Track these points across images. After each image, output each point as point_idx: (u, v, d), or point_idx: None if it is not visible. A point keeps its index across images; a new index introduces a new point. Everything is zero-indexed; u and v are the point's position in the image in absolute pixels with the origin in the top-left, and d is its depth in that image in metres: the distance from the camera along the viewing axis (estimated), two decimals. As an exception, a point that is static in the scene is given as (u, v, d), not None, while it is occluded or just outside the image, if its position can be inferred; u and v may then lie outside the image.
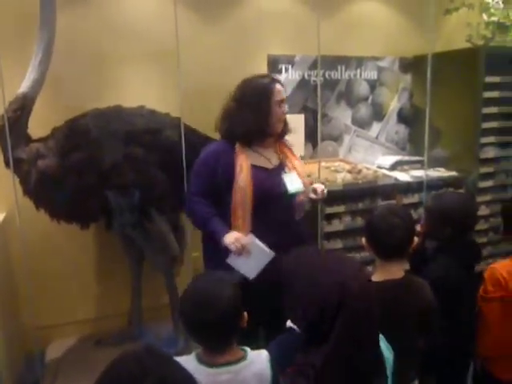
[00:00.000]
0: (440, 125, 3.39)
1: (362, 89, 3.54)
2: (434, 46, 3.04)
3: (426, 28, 3.20)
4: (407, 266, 1.75)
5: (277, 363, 1.29)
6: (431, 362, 1.68)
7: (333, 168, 3.20)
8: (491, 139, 3.27)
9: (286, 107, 2.05)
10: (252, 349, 1.36)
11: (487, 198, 3.36)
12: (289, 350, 1.23)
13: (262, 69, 3.17)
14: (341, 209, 2.93)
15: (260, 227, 1.95)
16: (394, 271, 1.59)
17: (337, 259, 1.20)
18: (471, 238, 1.96)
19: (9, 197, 2.29)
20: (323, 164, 3.15)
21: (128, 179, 2.42)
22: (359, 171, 3.13)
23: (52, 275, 2.87)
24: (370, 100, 3.58)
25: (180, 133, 2.39)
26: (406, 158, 3.54)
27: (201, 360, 1.28)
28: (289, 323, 1.33)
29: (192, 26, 2.97)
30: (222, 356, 1.28)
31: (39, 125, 2.36)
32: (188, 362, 1.27)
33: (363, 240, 1.67)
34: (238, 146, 2.01)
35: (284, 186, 2.02)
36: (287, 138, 2.21)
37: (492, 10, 3.38)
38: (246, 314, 1.33)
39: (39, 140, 2.37)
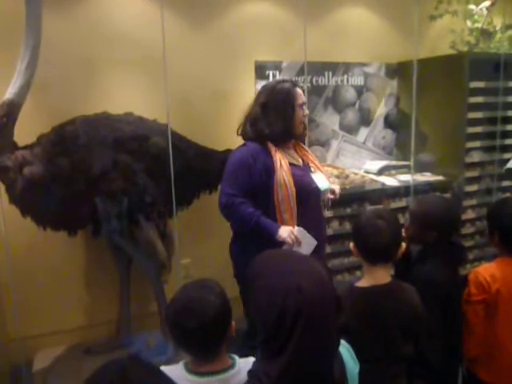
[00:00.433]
0: (426, 130, 3.43)
1: (349, 94, 3.57)
2: (418, 52, 3.08)
3: (410, 34, 3.24)
4: (392, 271, 1.76)
5: None
6: (420, 368, 1.68)
7: (321, 173, 3.21)
8: (476, 144, 3.31)
9: (306, 110, 2.15)
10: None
11: (473, 201, 3.40)
12: None
13: (250, 75, 3.18)
14: (328, 214, 2.94)
15: (301, 223, 2.04)
16: (380, 276, 1.59)
17: (297, 263, 1.12)
18: (455, 241, 1.97)
19: (-6, 205, 2.26)
20: (311, 169, 3.16)
21: (115, 186, 2.41)
22: (347, 176, 3.14)
23: (38, 283, 2.84)
24: (357, 105, 3.61)
25: (167, 139, 2.39)
26: (393, 162, 3.58)
27: (189, 369, 1.27)
28: None
29: (179, 33, 2.97)
30: (210, 365, 1.27)
31: (25, 132, 2.34)
32: (176, 370, 1.26)
33: (351, 244, 1.68)
34: (271, 146, 2.08)
35: (316, 185, 2.14)
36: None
37: (476, 17, 3.43)
38: (233, 323, 1.33)
39: (25, 147, 2.35)
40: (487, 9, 3.39)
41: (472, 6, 3.43)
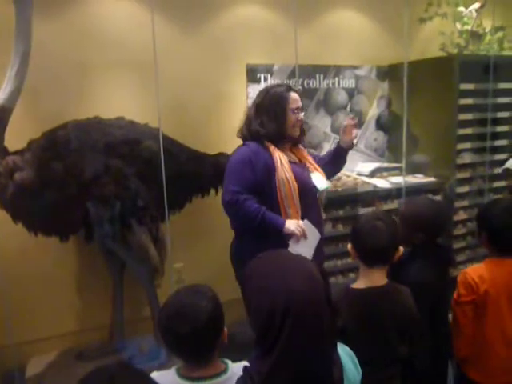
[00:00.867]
0: (417, 132, 3.45)
1: (341, 97, 3.58)
2: (409, 54, 3.10)
3: (401, 37, 3.25)
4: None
5: None
6: (411, 368, 1.69)
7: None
8: (467, 145, 3.33)
9: (301, 114, 2.17)
10: None
11: (465, 202, 3.42)
12: None
13: (241, 78, 3.19)
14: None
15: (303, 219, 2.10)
16: (376, 278, 1.60)
17: (287, 263, 1.12)
18: (443, 243, 1.99)
19: (-15, 211, 2.25)
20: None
21: (107, 190, 2.40)
22: (339, 178, 3.15)
23: (30, 289, 2.82)
24: (348, 108, 3.62)
25: (159, 143, 2.39)
26: (385, 164, 3.59)
27: (181, 374, 1.27)
28: None
29: (170, 36, 2.97)
30: (203, 370, 1.26)
31: (16, 137, 2.33)
32: (168, 376, 1.26)
33: (349, 246, 1.68)
34: (269, 144, 2.12)
35: (314, 184, 2.18)
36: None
37: (465, 19, 3.46)
38: (226, 329, 1.32)
39: (16, 152, 2.34)
40: (476, 11, 3.41)
41: (461, 9, 3.45)
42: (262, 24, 3.24)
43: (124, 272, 2.80)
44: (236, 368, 1.30)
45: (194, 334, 1.22)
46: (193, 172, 2.72)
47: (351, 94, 3.61)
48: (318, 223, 2.18)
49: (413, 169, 3.41)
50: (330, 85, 3.51)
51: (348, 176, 3.28)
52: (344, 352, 1.22)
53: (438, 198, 3.29)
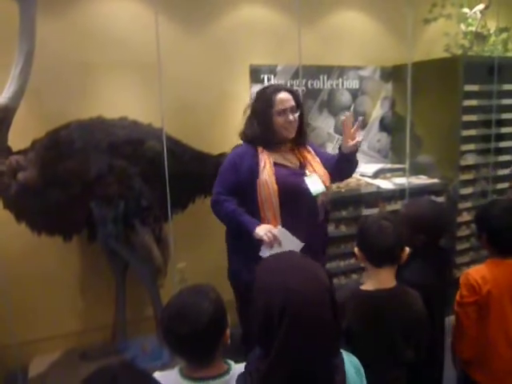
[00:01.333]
0: (421, 133, 3.44)
1: (344, 98, 3.58)
2: (413, 55, 3.09)
3: (405, 38, 3.25)
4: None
5: None
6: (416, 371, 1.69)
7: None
8: (471, 147, 3.32)
9: (293, 115, 2.07)
10: None
11: (468, 204, 3.41)
12: None
13: (244, 79, 3.18)
14: (324, 217, 2.94)
15: (291, 227, 2.00)
16: (385, 280, 1.59)
17: (292, 263, 1.13)
18: (446, 245, 1.98)
19: (-12, 210, 2.26)
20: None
21: (110, 190, 2.40)
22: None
23: (33, 289, 2.83)
24: (352, 109, 3.61)
25: (162, 143, 2.39)
26: (389, 165, 3.58)
27: (183, 374, 1.27)
28: None
29: (174, 37, 2.97)
30: (206, 370, 1.26)
31: (20, 137, 2.34)
32: (171, 376, 1.26)
33: (355, 249, 1.67)
34: (259, 147, 2.10)
35: (307, 187, 2.08)
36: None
37: (470, 20, 3.45)
38: (228, 330, 1.32)
39: (20, 152, 2.34)
40: (481, 12, 3.41)
41: (466, 10, 3.45)
42: (265, 24, 3.24)
43: (127, 272, 2.80)
44: (238, 369, 1.29)
45: (195, 335, 1.22)
46: (196, 172, 2.72)
47: (355, 94, 3.61)
48: (316, 230, 2.10)
49: (416, 170, 3.41)
50: (334, 85, 3.51)
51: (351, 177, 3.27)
52: (350, 362, 1.20)
53: (442, 199, 3.28)
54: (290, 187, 2.04)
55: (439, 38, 3.48)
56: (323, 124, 3.52)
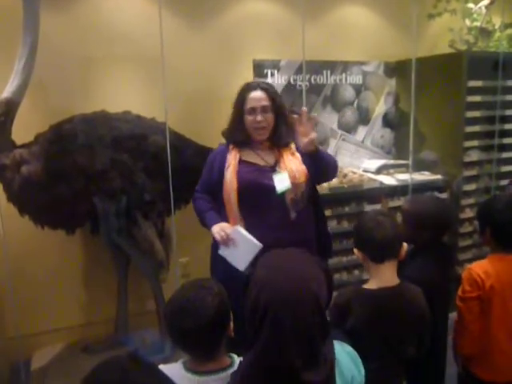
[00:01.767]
0: (425, 129, 3.43)
1: (348, 93, 3.57)
2: (417, 50, 3.08)
3: (409, 33, 3.23)
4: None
5: None
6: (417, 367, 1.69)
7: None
8: (474, 143, 3.31)
9: (259, 116, 1.98)
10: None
11: (471, 200, 3.40)
12: None
13: (248, 74, 3.17)
14: (327, 212, 2.93)
15: (256, 227, 1.97)
16: (387, 278, 1.59)
17: (284, 261, 1.15)
18: (448, 241, 1.98)
19: (-8, 203, 2.26)
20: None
21: (114, 184, 2.40)
22: (345, 175, 3.15)
23: (37, 282, 2.84)
24: (355, 104, 3.60)
25: (165, 138, 2.39)
26: (392, 161, 3.57)
27: (187, 368, 1.27)
28: None
29: (177, 31, 2.96)
30: (210, 363, 1.27)
31: (23, 130, 2.34)
32: (174, 369, 1.27)
33: (355, 250, 1.67)
34: (231, 145, 2.09)
35: (272, 185, 2.00)
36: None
37: (474, 16, 3.43)
38: (232, 324, 1.33)
39: (23, 146, 2.35)
40: (486, 7, 3.38)
41: (471, 5, 3.42)
42: (269, 19, 3.23)
43: (129, 266, 2.80)
44: (241, 363, 1.30)
45: (198, 330, 1.23)
46: (199, 167, 2.70)
47: (358, 90, 3.60)
48: (286, 227, 1.99)
49: (419, 166, 3.40)
50: (337, 81, 3.50)
51: (354, 172, 3.27)
52: (344, 351, 1.21)
53: (445, 195, 3.28)
54: (250, 185, 1.98)
55: (444, 34, 3.47)
56: (326, 119, 3.51)
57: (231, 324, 1.32)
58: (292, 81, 3.34)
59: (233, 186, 1.98)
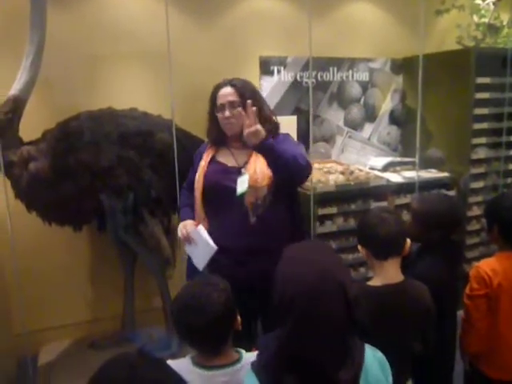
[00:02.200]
0: (432, 126, 3.41)
1: (354, 90, 3.55)
2: (424, 47, 3.06)
3: (416, 29, 3.21)
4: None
5: None
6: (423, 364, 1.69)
7: (325, 169, 3.21)
8: (482, 140, 3.29)
9: (226, 112, 1.93)
10: (244, 348, 1.36)
11: (479, 198, 3.38)
12: None
13: (254, 70, 3.17)
14: (333, 210, 2.93)
15: (217, 228, 1.97)
16: (392, 274, 1.58)
17: (307, 253, 1.17)
18: (455, 239, 1.97)
19: (0, 200, 2.27)
20: (316, 165, 3.15)
21: (120, 181, 2.41)
22: (351, 172, 3.13)
23: (44, 278, 2.86)
24: (362, 101, 3.59)
25: (172, 135, 2.39)
26: (398, 159, 3.56)
27: (196, 363, 1.28)
28: None
29: (184, 28, 2.96)
30: (217, 358, 1.28)
31: (31, 127, 2.35)
32: (183, 364, 1.28)
33: (359, 247, 1.67)
34: (208, 145, 2.10)
35: (228, 183, 1.95)
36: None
37: (482, 12, 3.40)
38: (239, 317, 1.33)
39: (31, 143, 2.36)
40: (494, 3, 3.36)
41: (479, 1, 3.40)
42: (275, 16, 3.22)
43: (136, 263, 2.81)
44: (250, 357, 1.31)
45: (206, 326, 1.24)
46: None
47: (365, 87, 3.58)
48: (243, 231, 1.91)
49: (426, 163, 3.38)
50: (344, 78, 3.48)
51: (361, 170, 3.25)
52: (375, 357, 1.20)
53: (452, 193, 3.26)
54: (213, 186, 1.97)
55: (451, 30, 3.45)
56: (332, 116, 3.51)
57: (238, 318, 1.33)
58: (298, 78, 3.33)
59: (199, 186, 1.99)
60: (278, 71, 3.27)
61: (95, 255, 2.99)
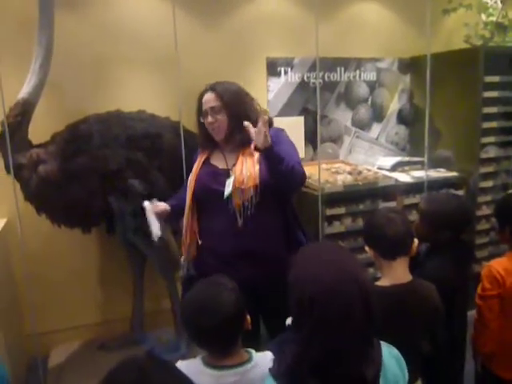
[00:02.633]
0: (440, 125, 3.39)
1: (362, 90, 3.55)
2: (432, 46, 3.04)
3: (423, 29, 3.20)
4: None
5: None
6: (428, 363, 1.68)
7: (333, 169, 3.20)
8: (491, 139, 3.27)
9: (209, 117, 1.96)
10: (253, 348, 1.36)
11: (488, 198, 3.36)
12: None
13: (261, 72, 3.18)
14: (341, 210, 2.93)
15: (206, 231, 2.00)
16: (400, 274, 1.57)
17: (323, 253, 1.17)
18: (465, 239, 1.96)
19: (10, 202, 2.29)
20: (324, 166, 3.15)
21: (129, 183, 2.42)
22: (360, 172, 3.12)
23: (54, 280, 2.87)
24: (369, 101, 3.58)
25: (180, 137, 2.39)
26: (407, 158, 3.54)
27: (206, 363, 1.28)
28: (288, 321, 1.32)
29: (191, 30, 2.97)
30: (228, 359, 1.28)
31: (40, 130, 2.36)
32: (194, 364, 1.28)
33: (366, 248, 1.66)
34: (201, 148, 2.12)
35: (215, 186, 1.96)
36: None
37: (490, 10, 3.38)
38: (248, 317, 1.33)
39: (40, 145, 2.37)
40: (502, 2, 3.34)
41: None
42: (282, 17, 3.22)
43: (145, 265, 2.82)
44: (260, 357, 1.31)
45: (216, 327, 1.24)
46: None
47: (372, 87, 3.58)
48: (224, 234, 1.92)
49: (435, 163, 3.36)
50: (351, 78, 3.48)
51: (369, 170, 3.24)
52: (391, 354, 1.20)
53: (461, 192, 3.24)
54: (202, 188, 1.99)
55: (459, 29, 3.43)
56: (340, 117, 3.50)
57: (248, 318, 1.33)
58: (306, 78, 3.33)
59: (190, 189, 2.01)
60: (285, 72, 3.27)
61: (104, 257, 3.00)
